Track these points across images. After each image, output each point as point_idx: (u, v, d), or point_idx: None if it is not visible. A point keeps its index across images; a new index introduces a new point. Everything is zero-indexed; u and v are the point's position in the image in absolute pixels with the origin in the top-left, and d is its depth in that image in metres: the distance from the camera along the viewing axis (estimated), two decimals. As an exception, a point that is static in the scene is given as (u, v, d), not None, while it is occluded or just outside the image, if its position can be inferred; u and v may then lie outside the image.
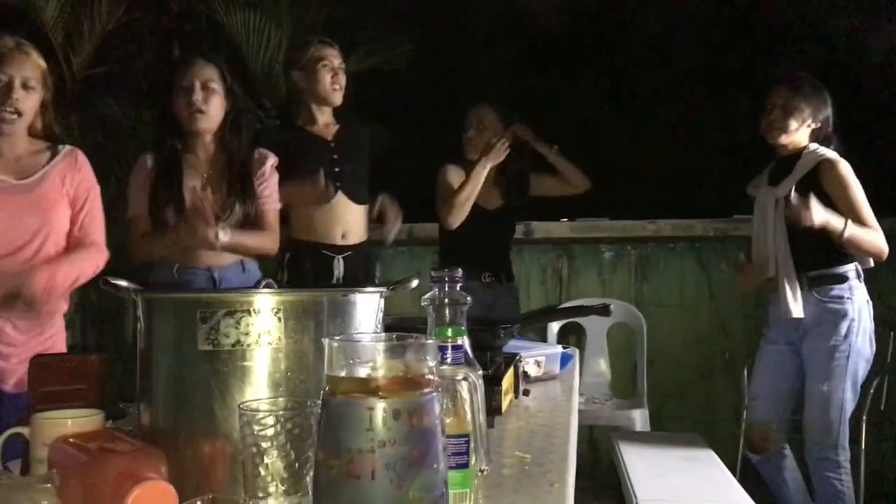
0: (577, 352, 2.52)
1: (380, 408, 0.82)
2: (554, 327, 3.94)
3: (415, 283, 1.24)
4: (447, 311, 1.12)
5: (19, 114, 2.31)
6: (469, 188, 3.32)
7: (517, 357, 1.87)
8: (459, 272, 1.16)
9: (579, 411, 2.20)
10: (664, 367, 3.98)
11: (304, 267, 3.04)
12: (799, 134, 3.06)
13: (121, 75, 4.26)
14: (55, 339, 2.40)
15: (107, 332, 4.32)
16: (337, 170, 3.02)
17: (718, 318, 4.04)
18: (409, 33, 3.09)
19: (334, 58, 3.06)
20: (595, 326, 3.92)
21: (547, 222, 4.13)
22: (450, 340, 1.10)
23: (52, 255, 2.33)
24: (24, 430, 1.18)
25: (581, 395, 3.74)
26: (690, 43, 5.81)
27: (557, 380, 2.14)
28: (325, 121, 3.12)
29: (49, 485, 1.00)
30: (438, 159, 3.57)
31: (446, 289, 1.13)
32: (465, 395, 1.01)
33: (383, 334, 0.94)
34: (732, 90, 5.36)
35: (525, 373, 1.99)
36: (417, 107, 3.17)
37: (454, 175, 3.46)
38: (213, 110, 2.61)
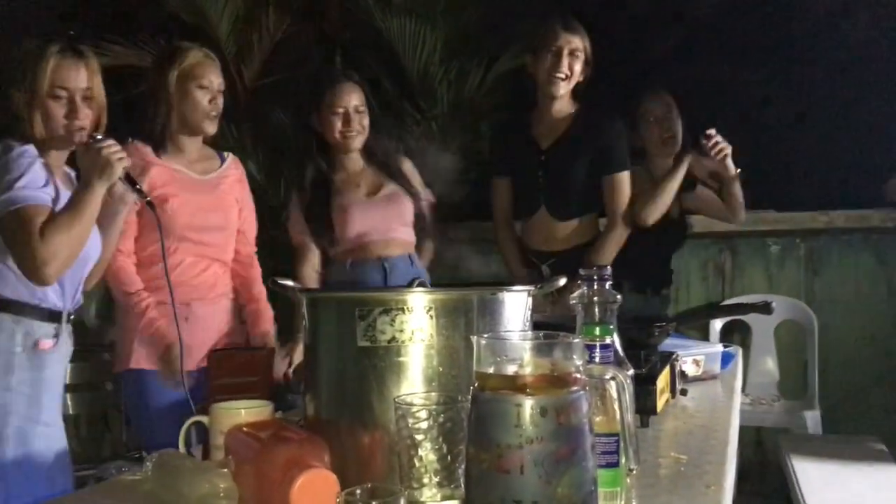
0: (739, 351, 2.44)
1: (527, 405, 0.83)
2: (716, 325, 3.80)
3: (562, 281, 1.24)
4: (596, 310, 1.12)
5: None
6: (674, 183, 2.88)
7: (673, 356, 1.83)
8: (608, 270, 1.15)
9: (743, 412, 2.13)
10: (838, 367, 3.74)
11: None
12: None
13: (288, 84, 4.48)
14: None
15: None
16: (541, 180, 2.83)
17: (898, 315, 3.76)
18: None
19: (567, 42, 2.74)
20: (761, 324, 3.74)
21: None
22: (598, 339, 1.10)
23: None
24: (204, 419, 1.29)
25: (746, 395, 3.60)
26: (868, 20, 5.40)
27: (718, 379, 2.09)
28: (556, 109, 2.83)
29: (226, 469, 1.09)
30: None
31: (595, 287, 1.13)
32: (614, 394, 1.00)
33: (530, 332, 0.95)
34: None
35: (683, 372, 1.94)
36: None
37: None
38: (364, 130, 2.68)
